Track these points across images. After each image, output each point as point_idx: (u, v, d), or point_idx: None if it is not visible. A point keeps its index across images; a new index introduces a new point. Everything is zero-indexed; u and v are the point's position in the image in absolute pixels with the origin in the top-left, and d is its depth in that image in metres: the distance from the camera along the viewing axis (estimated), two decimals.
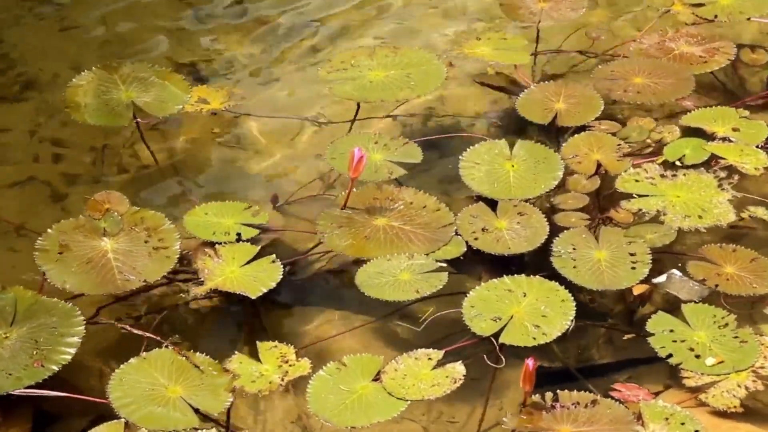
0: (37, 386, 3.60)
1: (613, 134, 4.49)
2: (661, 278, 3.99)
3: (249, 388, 3.66)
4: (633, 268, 3.96)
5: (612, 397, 3.62)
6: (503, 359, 3.74)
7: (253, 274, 3.95)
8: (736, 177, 4.30)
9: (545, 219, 4.13)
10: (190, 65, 5.11)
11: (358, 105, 4.68)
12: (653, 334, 3.79)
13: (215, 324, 4.00)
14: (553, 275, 3.95)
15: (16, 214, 4.39)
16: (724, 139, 4.45)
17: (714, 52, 4.84)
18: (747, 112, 4.55)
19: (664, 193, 4.24)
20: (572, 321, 3.80)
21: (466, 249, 4.05)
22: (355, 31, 5.33)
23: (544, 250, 4.05)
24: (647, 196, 4.24)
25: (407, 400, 3.61)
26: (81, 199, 4.27)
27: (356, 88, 4.69)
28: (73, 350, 3.69)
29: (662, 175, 4.31)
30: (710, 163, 4.36)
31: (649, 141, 4.50)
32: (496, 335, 3.76)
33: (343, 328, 3.96)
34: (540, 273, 3.94)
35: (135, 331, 3.84)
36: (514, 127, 4.65)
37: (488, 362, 3.74)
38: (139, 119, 4.58)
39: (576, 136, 4.46)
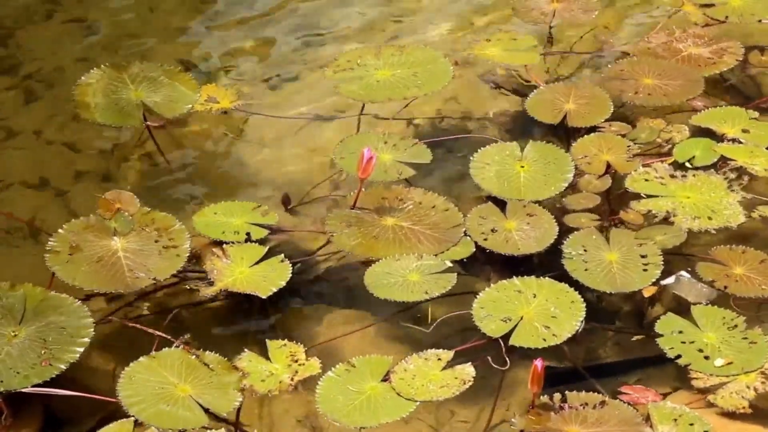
0: (48, 385, 3.60)
1: (623, 135, 4.49)
2: (669, 280, 3.99)
3: (258, 388, 3.66)
4: (645, 269, 3.96)
5: (620, 399, 3.63)
6: (508, 361, 3.74)
7: (262, 273, 3.95)
8: (746, 178, 4.29)
9: (554, 219, 4.13)
10: (199, 64, 5.11)
11: (363, 104, 4.68)
12: (662, 335, 3.79)
13: (225, 323, 4.01)
14: (562, 275, 3.95)
15: (26, 213, 4.39)
16: (733, 140, 4.45)
17: (722, 53, 4.84)
18: (757, 114, 4.55)
19: (674, 193, 4.24)
20: (582, 322, 3.80)
21: (475, 249, 4.05)
22: (364, 30, 5.33)
23: (553, 250, 4.06)
24: (657, 196, 4.23)
25: (416, 401, 3.61)
26: (91, 199, 4.27)
27: (363, 87, 4.69)
28: (81, 349, 3.69)
29: (672, 176, 4.31)
30: (718, 164, 4.36)
31: (659, 141, 4.50)
32: (506, 336, 3.76)
33: (352, 328, 3.96)
34: (549, 273, 3.95)
35: (145, 330, 3.85)
36: (524, 128, 4.65)
37: (493, 365, 3.74)
38: (148, 119, 4.58)
39: (586, 137, 4.46)
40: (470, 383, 3.64)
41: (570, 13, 5.09)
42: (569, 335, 3.76)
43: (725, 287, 3.93)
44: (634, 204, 4.21)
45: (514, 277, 3.93)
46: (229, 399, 3.62)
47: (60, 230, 4.04)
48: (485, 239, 4.08)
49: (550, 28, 5.05)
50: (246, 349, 3.77)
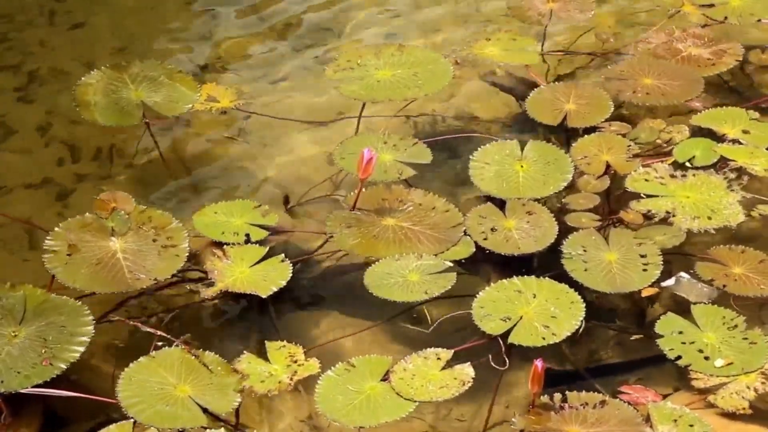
0: (47, 385, 3.60)
1: (623, 135, 4.48)
2: (669, 281, 3.98)
3: (258, 388, 3.66)
4: (644, 270, 3.95)
5: (620, 399, 3.63)
6: (507, 361, 3.74)
7: (262, 273, 3.95)
8: (746, 178, 4.29)
9: (554, 218, 4.13)
10: (199, 64, 5.11)
11: (363, 104, 4.68)
12: (662, 336, 3.79)
13: (225, 323, 4.00)
14: (561, 275, 3.95)
15: (25, 212, 4.39)
16: (734, 141, 4.45)
17: (722, 53, 4.84)
18: (757, 114, 4.54)
19: (674, 193, 4.24)
20: (582, 322, 3.80)
21: (475, 250, 4.05)
22: (364, 30, 5.33)
23: (553, 249, 4.05)
24: (657, 196, 4.23)
25: (415, 401, 3.61)
26: (89, 198, 4.27)
27: (363, 87, 4.69)
28: (81, 348, 3.69)
29: (672, 175, 4.31)
30: (718, 164, 4.35)
31: (659, 141, 4.50)
32: (505, 336, 3.76)
33: (351, 329, 3.96)
34: (548, 273, 3.95)
35: (145, 329, 3.85)
36: (523, 128, 4.65)
37: (493, 365, 3.73)
38: (148, 119, 4.58)
39: (586, 137, 4.46)
40: (469, 384, 3.64)
41: (566, 13, 5.09)
42: (569, 334, 3.75)
43: (724, 286, 3.93)
44: (634, 204, 4.21)
45: (515, 276, 3.93)
46: (228, 399, 3.62)
47: (57, 228, 4.03)
48: (485, 239, 4.08)
49: (545, 27, 5.05)
50: (245, 351, 3.77)
